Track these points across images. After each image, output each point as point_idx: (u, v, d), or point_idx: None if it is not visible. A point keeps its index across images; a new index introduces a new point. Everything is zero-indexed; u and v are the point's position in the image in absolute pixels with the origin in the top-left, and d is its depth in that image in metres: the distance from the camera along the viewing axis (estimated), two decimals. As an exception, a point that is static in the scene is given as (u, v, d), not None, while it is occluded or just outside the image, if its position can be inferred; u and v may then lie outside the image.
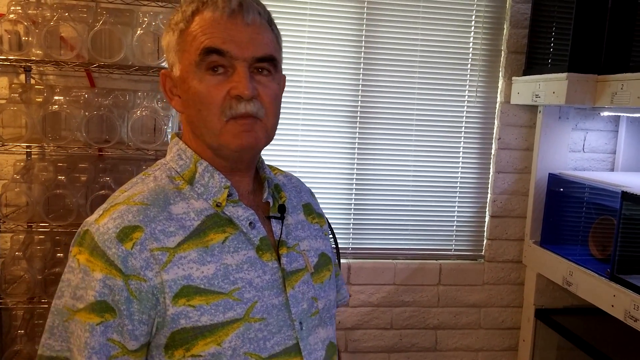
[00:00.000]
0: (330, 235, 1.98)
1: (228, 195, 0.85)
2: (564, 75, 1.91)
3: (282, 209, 0.91)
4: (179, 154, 0.88)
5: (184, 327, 0.78)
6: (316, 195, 1.08)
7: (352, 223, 2.29)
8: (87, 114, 1.73)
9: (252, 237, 0.85)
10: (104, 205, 0.82)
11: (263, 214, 0.90)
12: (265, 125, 0.84)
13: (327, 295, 0.94)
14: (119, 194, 0.84)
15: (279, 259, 0.87)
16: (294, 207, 0.97)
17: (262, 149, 0.87)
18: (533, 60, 2.20)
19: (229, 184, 0.85)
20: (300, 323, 0.86)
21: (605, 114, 2.27)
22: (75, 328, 0.76)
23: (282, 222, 0.90)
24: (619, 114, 2.25)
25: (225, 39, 0.79)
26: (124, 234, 0.77)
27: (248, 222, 0.85)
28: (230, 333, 0.79)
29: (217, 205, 0.84)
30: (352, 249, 2.30)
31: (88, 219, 0.81)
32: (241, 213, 0.85)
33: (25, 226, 1.79)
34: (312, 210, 1.02)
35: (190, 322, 0.78)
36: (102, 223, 0.78)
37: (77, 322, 0.76)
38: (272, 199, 0.92)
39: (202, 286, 0.79)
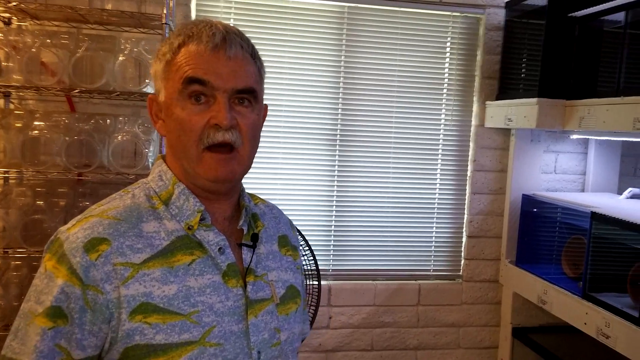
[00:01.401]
0: (310, 257, 2.00)
1: (201, 219, 0.87)
2: (534, 100, 1.99)
3: (254, 237, 0.93)
4: (160, 175, 0.91)
5: (137, 343, 0.79)
6: (297, 218, 1.10)
7: (333, 244, 2.31)
8: (67, 139, 1.74)
9: (219, 262, 0.87)
10: (79, 216, 0.85)
11: (236, 241, 0.92)
12: (242, 156, 0.87)
13: (291, 328, 0.95)
14: (95, 207, 0.87)
15: (245, 287, 0.89)
16: (269, 236, 0.99)
17: (238, 180, 0.91)
18: (505, 86, 2.28)
19: (202, 208, 0.88)
20: (259, 352, 0.87)
21: (575, 137, 2.36)
22: (31, 331, 0.78)
23: (253, 251, 0.92)
24: (587, 137, 2.34)
25: (207, 70, 0.83)
26: (91, 245, 0.79)
27: (218, 247, 0.87)
28: (184, 355, 0.80)
29: (188, 228, 0.86)
30: (333, 270, 2.32)
31: (62, 227, 0.84)
32: (212, 238, 0.87)
33: (2, 252, 1.77)
34: (287, 242, 1.03)
35: (144, 339, 0.79)
36: (72, 232, 0.81)
37: (33, 326, 0.78)
38: (247, 227, 0.94)
39: (161, 305, 0.80)
